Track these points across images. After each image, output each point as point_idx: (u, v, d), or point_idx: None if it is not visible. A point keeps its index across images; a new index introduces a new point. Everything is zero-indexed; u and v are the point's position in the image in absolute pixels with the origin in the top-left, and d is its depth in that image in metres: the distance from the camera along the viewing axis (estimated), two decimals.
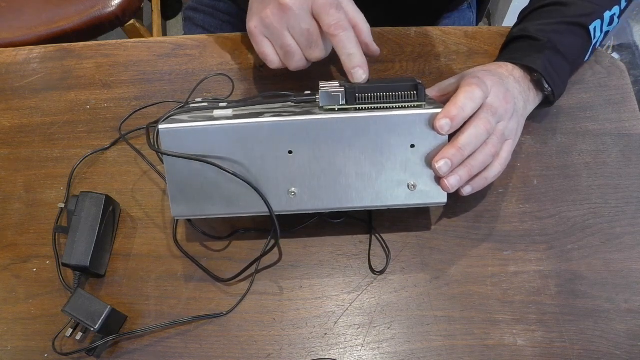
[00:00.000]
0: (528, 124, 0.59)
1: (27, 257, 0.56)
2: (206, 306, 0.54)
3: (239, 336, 0.52)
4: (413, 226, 0.56)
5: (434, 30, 0.67)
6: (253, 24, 0.52)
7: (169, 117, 0.49)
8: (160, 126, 0.47)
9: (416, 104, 0.47)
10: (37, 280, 0.55)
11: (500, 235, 0.56)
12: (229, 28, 0.84)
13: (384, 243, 0.56)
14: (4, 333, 0.53)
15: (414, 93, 0.47)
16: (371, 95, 0.47)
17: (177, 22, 1.70)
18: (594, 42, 0.57)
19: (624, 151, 0.60)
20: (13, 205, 0.59)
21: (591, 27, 0.56)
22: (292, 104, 0.51)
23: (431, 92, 0.56)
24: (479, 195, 0.57)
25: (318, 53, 0.51)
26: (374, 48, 0.54)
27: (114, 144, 0.61)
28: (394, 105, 0.47)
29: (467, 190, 0.50)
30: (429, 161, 0.48)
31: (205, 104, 0.52)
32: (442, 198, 0.50)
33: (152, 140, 0.48)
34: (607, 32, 0.59)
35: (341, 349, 0.52)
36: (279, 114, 0.48)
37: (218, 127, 0.47)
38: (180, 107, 0.51)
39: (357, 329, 0.52)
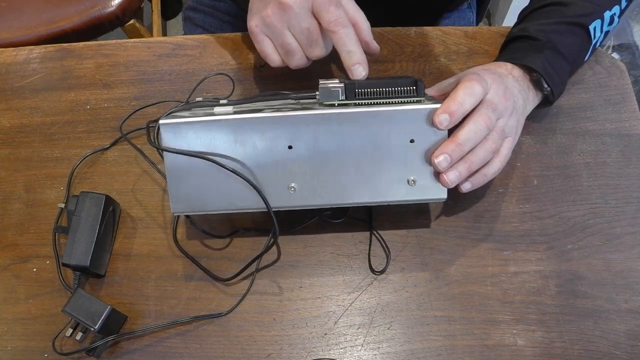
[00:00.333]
0: (528, 123, 0.59)
1: (27, 257, 0.56)
2: (206, 306, 0.54)
3: (239, 336, 0.52)
4: (413, 226, 0.56)
5: (434, 30, 0.67)
6: (254, 22, 0.52)
7: (170, 113, 0.49)
8: (161, 121, 0.47)
9: (415, 99, 0.47)
10: (37, 280, 0.55)
11: (500, 235, 0.56)
12: (229, 28, 0.84)
13: (384, 243, 0.56)
14: (4, 333, 0.53)
15: (413, 89, 0.47)
16: (371, 90, 0.47)
17: (177, 22, 1.69)
18: (593, 42, 0.57)
19: (624, 151, 0.60)
20: (13, 205, 0.59)
21: (591, 27, 0.56)
22: (292, 101, 0.51)
23: (430, 92, 0.56)
24: (479, 195, 0.57)
25: (318, 51, 0.51)
26: (374, 46, 0.54)
27: (114, 143, 0.61)
28: (394, 100, 0.47)
29: (466, 187, 0.50)
30: (429, 156, 0.48)
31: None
32: (442, 194, 0.49)
33: (152, 138, 0.48)
34: (607, 32, 0.59)
35: (341, 349, 0.52)
36: (278, 110, 0.48)
37: (218, 122, 0.47)
38: (182, 105, 0.51)
39: (357, 329, 0.52)
